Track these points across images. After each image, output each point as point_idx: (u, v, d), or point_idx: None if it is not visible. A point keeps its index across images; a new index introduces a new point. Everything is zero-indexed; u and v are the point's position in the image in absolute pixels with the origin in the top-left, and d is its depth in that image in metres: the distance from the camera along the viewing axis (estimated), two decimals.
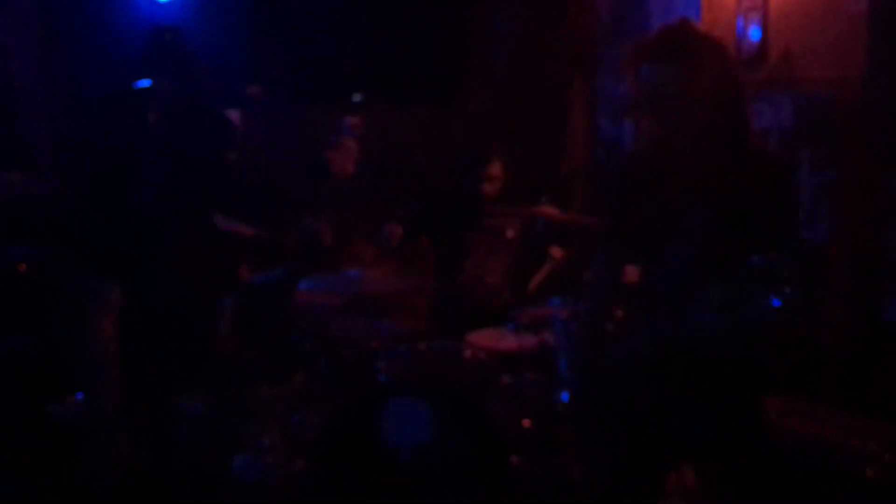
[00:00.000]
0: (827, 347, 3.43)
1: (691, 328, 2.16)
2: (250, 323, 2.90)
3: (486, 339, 3.76)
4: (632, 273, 3.12)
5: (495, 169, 4.20)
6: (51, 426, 3.32)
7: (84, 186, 4.20)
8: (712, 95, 2.20)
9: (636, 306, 2.47)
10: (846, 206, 3.47)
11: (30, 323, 3.85)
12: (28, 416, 3.48)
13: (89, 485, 3.09)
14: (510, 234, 4.22)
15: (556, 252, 4.20)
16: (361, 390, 3.48)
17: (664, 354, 2.29)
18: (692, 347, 2.23)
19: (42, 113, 4.49)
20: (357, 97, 4.93)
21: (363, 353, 3.69)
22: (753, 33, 3.86)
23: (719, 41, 2.32)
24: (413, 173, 4.97)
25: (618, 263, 2.66)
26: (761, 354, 2.32)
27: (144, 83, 2.65)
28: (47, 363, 3.57)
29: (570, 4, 5.06)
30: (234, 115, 4.76)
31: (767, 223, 2.20)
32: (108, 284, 2.62)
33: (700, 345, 2.21)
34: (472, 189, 4.20)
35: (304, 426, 3.58)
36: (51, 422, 3.30)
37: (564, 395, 3.45)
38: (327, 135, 4.82)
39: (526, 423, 3.48)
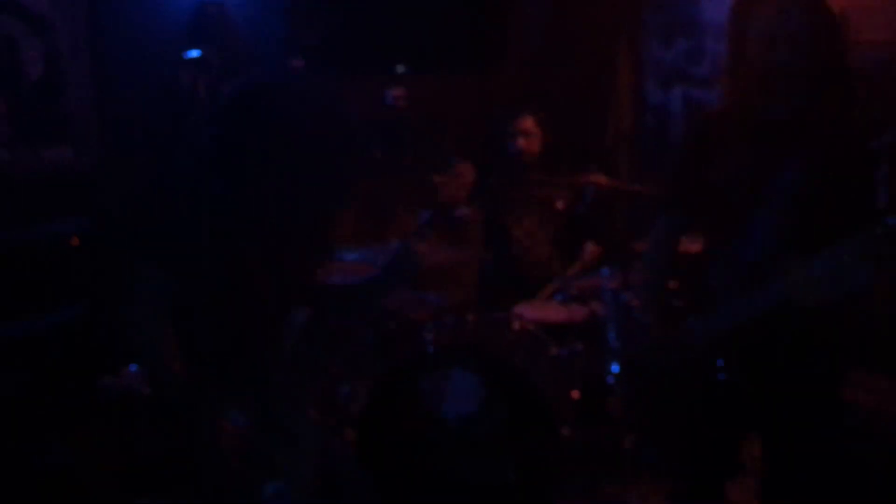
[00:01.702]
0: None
1: (801, 295, 2.06)
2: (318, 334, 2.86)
3: (535, 310, 3.74)
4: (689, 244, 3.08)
5: (527, 123, 4.11)
6: (104, 398, 3.35)
7: (131, 160, 4.25)
8: (818, 41, 2.16)
9: (713, 279, 2.34)
10: None
11: (82, 294, 3.89)
12: (81, 387, 3.52)
13: (139, 458, 3.12)
14: (559, 204, 4.17)
15: (591, 249, 4.14)
16: (409, 361, 3.47)
17: (758, 326, 2.19)
18: (791, 317, 2.13)
19: (88, 87, 4.51)
20: (400, 68, 4.89)
21: (411, 325, 3.69)
22: None
23: None
24: (457, 142, 4.93)
25: (678, 234, 2.56)
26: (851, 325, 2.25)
27: (194, 53, 2.63)
28: (100, 335, 3.62)
29: None
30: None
31: (863, 184, 2.15)
32: (167, 277, 2.58)
33: (801, 314, 2.10)
34: (510, 149, 4.13)
35: (352, 397, 3.59)
36: (104, 393, 3.34)
37: (614, 367, 3.42)
38: (371, 107, 4.79)
39: (575, 394, 3.46)
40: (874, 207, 1.95)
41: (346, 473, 2.79)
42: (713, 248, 2.39)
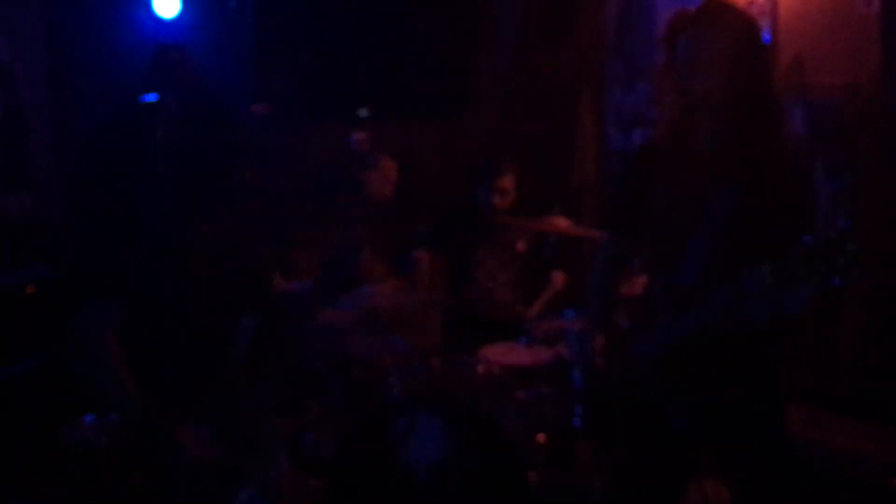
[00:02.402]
0: (848, 354, 3.38)
1: (721, 317, 2.09)
2: (270, 339, 2.85)
3: (499, 353, 3.72)
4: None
5: (507, 181, 4.16)
6: (62, 449, 3.28)
7: (91, 205, 4.20)
8: (744, 69, 2.22)
9: (652, 303, 2.39)
10: (864, 209, 3.43)
11: (39, 345, 3.82)
12: (39, 438, 3.44)
13: None
14: (520, 246, 4.19)
15: (558, 277, 4.16)
16: (376, 408, 3.44)
17: (690, 348, 2.23)
18: (718, 339, 2.17)
19: (49, 134, 4.48)
20: (363, 113, 4.91)
21: (376, 371, 3.65)
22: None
23: (754, 20, 2.34)
24: (422, 188, 4.93)
25: (620, 257, 2.63)
26: (780, 346, 2.28)
27: (151, 97, 2.63)
28: (57, 385, 3.54)
29: (576, 17, 5.04)
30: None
31: (792, 208, 2.20)
32: (116, 305, 2.58)
33: (727, 335, 2.15)
34: (484, 202, 4.17)
35: (318, 445, 3.54)
36: (62, 444, 3.26)
37: (579, 409, 3.41)
38: (334, 151, 4.79)
39: (541, 437, 3.44)
40: (801, 230, 1.96)
41: None
42: (653, 272, 2.46)
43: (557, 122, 5.15)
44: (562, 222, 3.93)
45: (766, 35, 2.90)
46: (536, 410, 3.47)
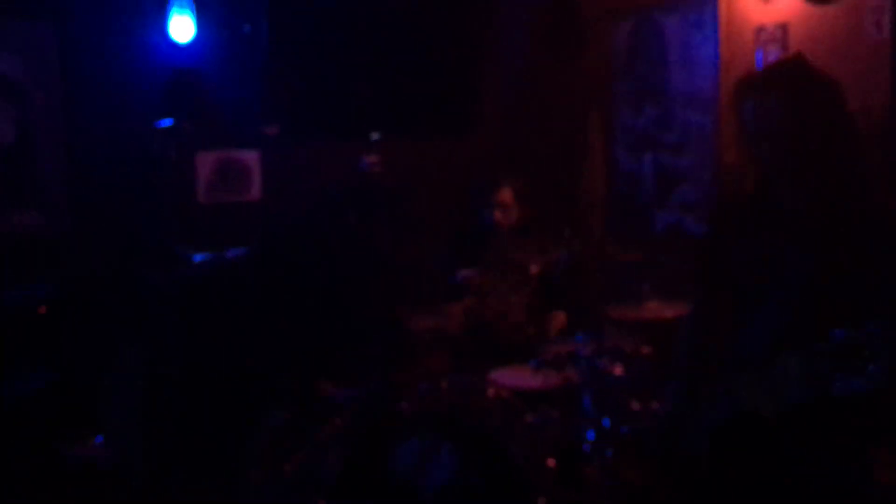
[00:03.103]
0: None
1: (770, 399, 1.94)
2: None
3: (509, 376, 3.71)
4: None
5: (505, 195, 4.16)
6: (68, 468, 3.28)
7: (100, 225, 4.21)
8: (819, 135, 2.06)
9: (724, 369, 2.23)
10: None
11: (49, 364, 3.82)
12: (46, 457, 3.44)
13: None
14: (533, 269, 4.18)
15: (559, 317, 4.15)
16: (383, 428, 3.42)
17: (743, 426, 2.08)
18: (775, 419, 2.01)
19: (60, 153, 4.49)
20: (375, 135, 4.92)
21: (385, 389, 3.65)
22: None
23: (833, 80, 2.17)
24: (432, 208, 4.94)
25: (705, 325, 2.41)
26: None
27: (166, 122, 2.64)
28: (67, 405, 3.54)
29: (586, 39, 5.05)
30: (253, 154, 4.78)
31: (875, 288, 2.03)
32: (129, 329, 2.57)
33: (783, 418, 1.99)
34: (485, 218, 4.17)
35: (323, 465, 3.53)
36: (68, 464, 3.26)
37: (590, 434, 3.39)
38: (345, 172, 4.81)
39: (550, 462, 3.42)
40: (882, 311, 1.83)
41: None
42: (727, 336, 2.29)
43: (566, 141, 5.16)
44: (574, 243, 3.92)
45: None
46: (545, 435, 3.45)
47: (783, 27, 3.83)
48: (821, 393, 1.86)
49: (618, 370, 3.50)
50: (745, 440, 2.11)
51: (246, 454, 2.61)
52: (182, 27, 4.46)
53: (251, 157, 4.80)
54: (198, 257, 2.60)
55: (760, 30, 3.93)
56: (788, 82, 2.12)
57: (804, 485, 2.11)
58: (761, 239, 2.17)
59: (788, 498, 2.12)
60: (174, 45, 4.44)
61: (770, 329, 2.11)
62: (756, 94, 2.13)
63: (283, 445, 2.80)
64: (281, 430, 2.72)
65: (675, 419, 2.36)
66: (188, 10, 4.40)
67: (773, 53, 3.86)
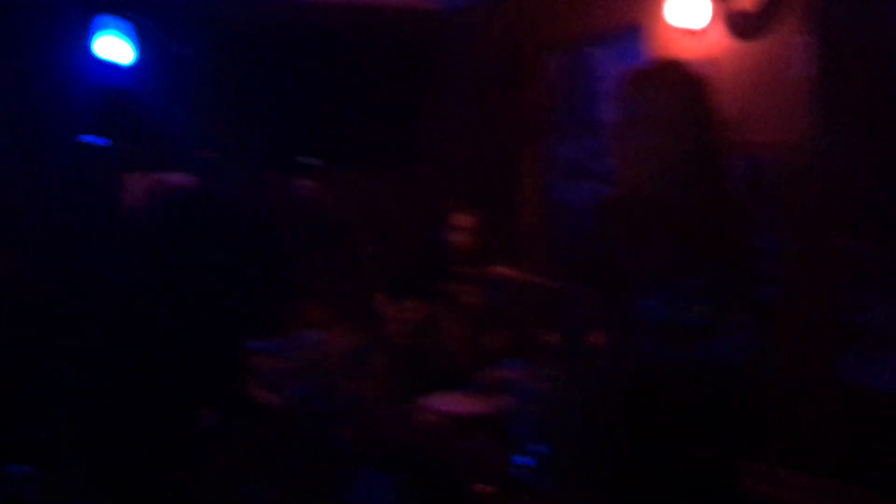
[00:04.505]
0: (786, 411, 3.43)
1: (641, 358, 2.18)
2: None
3: (443, 402, 3.71)
4: None
5: (463, 220, 4.22)
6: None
7: (30, 256, 4.12)
8: (693, 126, 2.31)
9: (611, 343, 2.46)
10: (798, 267, 3.52)
11: None
12: None
13: None
14: (469, 296, 4.21)
15: (500, 336, 4.19)
16: (317, 457, 3.40)
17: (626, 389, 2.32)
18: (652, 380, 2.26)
19: None
20: (310, 161, 4.92)
21: (317, 418, 3.62)
22: None
23: (704, 79, 2.42)
24: (370, 237, 4.95)
25: (595, 312, 2.61)
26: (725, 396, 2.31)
27: (92, 139, 2.60)
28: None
29: (523, 71, 5.14)
30: (186, 178, 4.73)
31: (733, 254, 2.30)
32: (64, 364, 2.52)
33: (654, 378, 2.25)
34: (440, 243, 4.20)
35: (258, 496, 3.48)
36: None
37: (525, 459, 3.41)
38: (280, 198, 4.80)
39: (485, 489, 3.42)
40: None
41: None
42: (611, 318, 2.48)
43: (503, 173, 5.23)
44: (507, 271, 3.96)
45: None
46: (481, 460, 3.46)
47: (711, 61, 3.94)
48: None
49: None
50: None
51: (177, 459, 2.58)
52: (119, 48, 4.41)
53: (184, 180, 4.75)
54: None
55: (690, 61, 4.04)
56: (671, 78, 2.37)
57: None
58: (640, 232, 2.37)
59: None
60: (110, 66, 4.38)
61: (660, 300, 2.30)
62: (643, 87, 2.37)
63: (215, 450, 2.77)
64: (213, 432, 2.69)
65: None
66: (124, 32, 4.35)
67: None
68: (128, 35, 4.35)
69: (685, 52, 4.04)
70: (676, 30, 4.07)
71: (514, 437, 3.37)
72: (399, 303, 4.29)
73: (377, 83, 5.05)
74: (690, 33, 4.02)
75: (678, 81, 2.37)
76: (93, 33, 4.31)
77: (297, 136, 4.91)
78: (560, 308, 2.71)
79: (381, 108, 5.09)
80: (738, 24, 3.85)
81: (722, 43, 3.92)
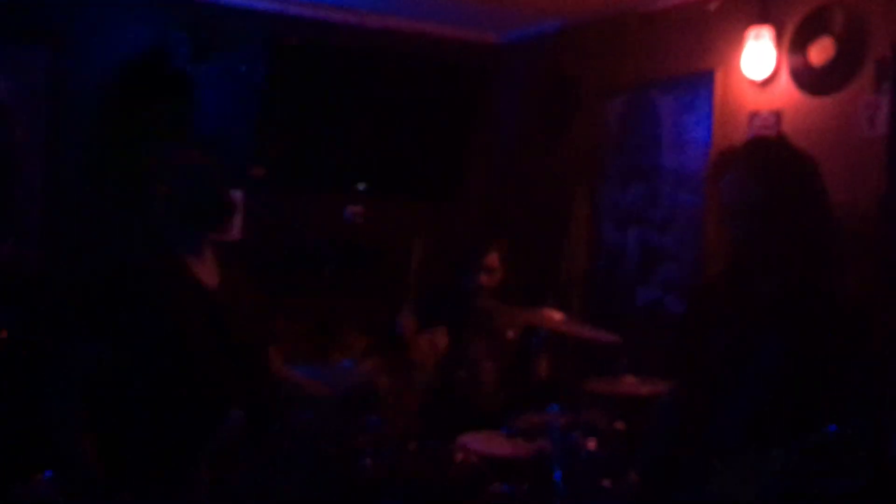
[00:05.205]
0: None
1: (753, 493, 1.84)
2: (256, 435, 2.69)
3: (479, 442, 3.62)
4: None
5: (492, 260, 4.15)
6: None
7: (74, 254, 4.12)
8: (792, 215, 2.02)
9: (699, 454, 2.11)
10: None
11: (4, 393, 3.69)
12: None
13: None
14: (510, 334, 4.13)
15: (543, 365, 4.09)
16: (345, 490, 3.32)
17: None
18: None
19: (38, 182, 4.42)
20: (361, 186, 4.90)
21: (349, 450, 3.54)
22: None
23: (811, 161, 2.14)
24: (409, 265, 4.90)
25: (681, 408, 2.29)
26: None
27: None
28: (21, 437, 3.40)
29: (577, 112, 5.08)
30: (237, 194, 4.73)
31: (842, 383, 1.93)
32: (91, 356, 2.49)
33: None
34: (471, 282, 4.13)
35: None
36: (18, 502, 3.12)
37: None
38: (328, 222, 4.78)
39: None
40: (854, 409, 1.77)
41: None
42: (701, 421, 2.17)
43: (551, 213, 5.15)
44: (555, 315, 3.87)
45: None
46: None
47: (777, 114, 3.85)
48: (802, 490, 1.79)
49: (591, 444, 3.43)
50: None
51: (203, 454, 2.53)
52: (180, 57, 4.44)
53: (234, 196, 4.74)
54: None
55: (754, 115, 3.95)
56: (766, 159, 2.09)
57: None
58: (735, 322, 2.10)
59: None
60: (171, 76, 4.41)
61: (743, 416, 2.02)
62: (734, 168, 2.10)
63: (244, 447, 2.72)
64: (242, 430, 2.64)
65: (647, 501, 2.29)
66: (186, 41, 4.39)
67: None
68: (189, 43, 4.38)
69: (752, 103, 3.97)
70: (744, 80, 3.99)
71: (552, 485, 3.27)
72: (433, 335, 4.22)
73: (428, 113, 5.03)
74: (759, 85, 3.93)
75: (770, 163, 2.08)
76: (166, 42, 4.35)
77: (347, 160, 4.88)
78: (648, 412, 2.48)
79: (430, 138, 5.06)
80: (808, 78, 3.77)
81: (791, 96, 3.83)
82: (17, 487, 3.08)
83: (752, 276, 2.10)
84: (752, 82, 3.95)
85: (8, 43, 4.32)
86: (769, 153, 2.12)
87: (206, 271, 2.64)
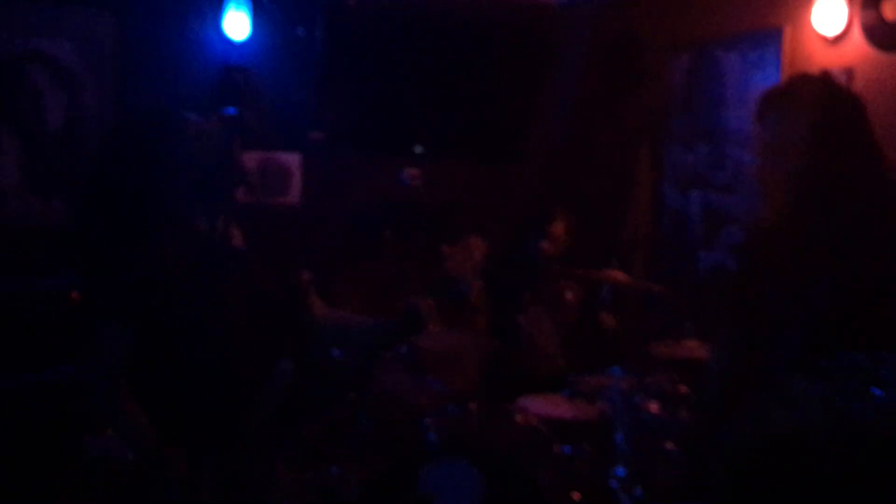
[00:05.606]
0: None
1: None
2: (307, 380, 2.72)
3: (540, 404, 3.62)
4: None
5: (558, 228, 4.13)
6: (87, 461, 3.22)
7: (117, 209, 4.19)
8: (840, 153, 2.00)
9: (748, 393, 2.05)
10: None
11: (74, 353, 3.78)
12: (64, 449, 3.38)
13: None
14: (570, 297, 4.11)
15: (608, 319, 4.05)
16: (408, 450, 3.35)
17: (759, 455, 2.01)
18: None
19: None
20: (419, 149, 4.89)
21: (411, 411, 3.57)
22: None
23: (850, 93, 2.13)
24: (470, 230, 4.88)
25: (742, 350, 2.25)
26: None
27: (231, 111, 2.62)
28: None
29: (642, 73, 4.99)
30: (295, 158, 4.76)
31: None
32: (131, 329, 2.50)
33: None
34: (534, 248, 4.12)
35: (343, 481, 3.45)
36: (87, 456, 3.20)
37: (619, 470, 3.29)
38: (386, 185, 4.78)
39: (576, 496, 3.32)
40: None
41: None
42: (740, 357, 2.19)
43: (614, 175, 5.09)
44: (619, 275, 3.83)
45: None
46: (574, 467, 3.36)
47: (848, 72, 3.73)
48: (837, 417, 1.76)
49: (653, 408, 3.41)
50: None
51: (258, 412, 2.56)
52: (237, 24, 4.48)
53: (293, 160, 4.77)
54: None
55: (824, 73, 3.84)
56: (811, 97, 2.08)
57: None
58: (788, 261, 2.08)
59: None
60: (228, 42, 4.45)
61: (796, 356, 2.00)
62: (777, 105, 2.10)
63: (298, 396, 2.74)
64: (294, 380, 2.65)
65: (700, 445, 2.27)
66: (245, 8, 4.41)
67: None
68: (248, 10, 4.39)
69: (822, 61, 3.85)
70: (814, 37, 3.87)
71: (612, 447, 3.26)
72: (494, 299, 4.22)
73: (488, 75, 4.98)
74: (830, 42, 3.81)
75: (814, 98, 2.07)
76: (223, 10, 4.37)
77: (405, 123, 4.87)
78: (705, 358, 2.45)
79: (490, 100, 5.02)
80: (882, 34, 3.64)
81: (862, 52, 3.71)
82: (88, 441, 3.17)
83: (803, 216, 2.07)
84: (823, 39, 3.83)
85: (75, 6, 4.38)
86: (812, 88, 2.13)
87: (232, 234, 2.66)
